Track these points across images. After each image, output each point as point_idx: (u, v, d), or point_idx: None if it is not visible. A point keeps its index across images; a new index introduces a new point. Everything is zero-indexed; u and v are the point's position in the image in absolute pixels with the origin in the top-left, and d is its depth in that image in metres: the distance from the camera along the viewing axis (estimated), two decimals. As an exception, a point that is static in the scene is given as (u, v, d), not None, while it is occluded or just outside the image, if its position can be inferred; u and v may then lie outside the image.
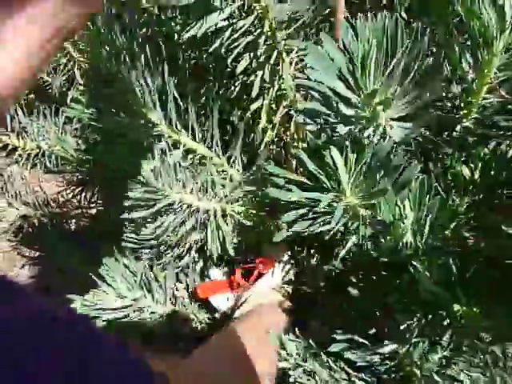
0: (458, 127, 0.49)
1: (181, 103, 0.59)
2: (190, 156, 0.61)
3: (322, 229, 0.47)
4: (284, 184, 0.45)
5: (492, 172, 0.50)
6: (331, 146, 0.42)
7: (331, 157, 0.42)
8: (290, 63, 0.56)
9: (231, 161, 0.64)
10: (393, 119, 0.45)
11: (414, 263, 0.43)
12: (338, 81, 0.41)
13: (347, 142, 0.42)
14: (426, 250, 0.43)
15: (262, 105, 0.60)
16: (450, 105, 0.48)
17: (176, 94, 0.57)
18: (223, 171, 0.63)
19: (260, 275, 0.68)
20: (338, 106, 0.42)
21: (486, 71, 0.45)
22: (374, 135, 0.45)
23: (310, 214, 0.46)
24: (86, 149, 0.73)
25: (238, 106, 0.61)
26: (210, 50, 0.50)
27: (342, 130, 0.42)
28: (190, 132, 0.60)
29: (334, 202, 0.45)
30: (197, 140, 0.61)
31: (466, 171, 0.51)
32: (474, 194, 0.49)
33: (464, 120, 0.48)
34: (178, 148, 0.59)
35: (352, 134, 0.42)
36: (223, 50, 0.51)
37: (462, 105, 0.48)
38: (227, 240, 0.57)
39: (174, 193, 0.56)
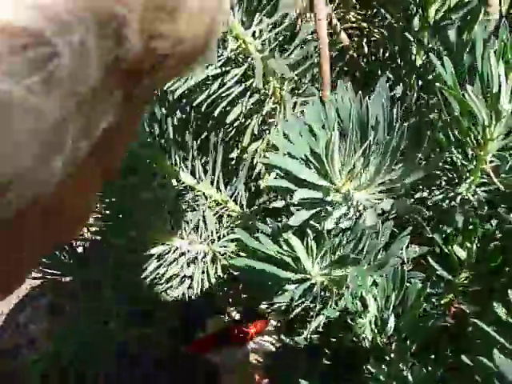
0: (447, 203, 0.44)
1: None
2: (191, 193, 0.60)
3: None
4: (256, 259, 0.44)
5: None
6: (290, 235, 0.39)
7: (290, 242, 0.40)
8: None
9: (233, 196, 0.62)
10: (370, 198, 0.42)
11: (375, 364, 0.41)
12: (302, 166, 0.38)
13: (308, 230, 0.39)
14: (388, 350, 0.41)
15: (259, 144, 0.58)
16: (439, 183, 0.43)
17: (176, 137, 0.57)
18: (224, 207, 0.62)
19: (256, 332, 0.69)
20: (301, 188, 0.39)
21: (481, 155, 0.40)
22: (345, 217, 0.41)
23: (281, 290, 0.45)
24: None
25: (237, 146, 0.59)
26: (194, 103, 0.49)
27: (304, 215, 0.40)
28: (189, 169, 0.59)
29: (299, 280, 0.43)
30: (197, 177, 0.60)
31: (460, 253, 0.46)
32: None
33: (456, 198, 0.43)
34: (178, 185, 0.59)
35: (314, 220, 0.40)
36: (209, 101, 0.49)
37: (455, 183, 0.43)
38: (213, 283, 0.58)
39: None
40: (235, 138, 0.57)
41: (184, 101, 0.54)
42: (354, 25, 0.64)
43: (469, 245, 0.47)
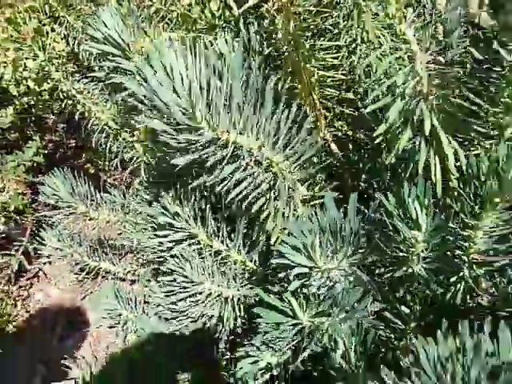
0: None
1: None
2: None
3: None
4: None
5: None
6: (289, 295, 0.63)
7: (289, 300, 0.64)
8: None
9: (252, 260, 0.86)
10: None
11: None
12: (298, 254, 0.62)
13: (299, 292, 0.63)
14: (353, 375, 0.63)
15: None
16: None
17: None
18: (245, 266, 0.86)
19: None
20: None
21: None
22: (324, 285, 0.65)
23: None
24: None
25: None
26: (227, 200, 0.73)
27: (297, 284, 0.63)
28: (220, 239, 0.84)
29: (295, 324, 0.66)
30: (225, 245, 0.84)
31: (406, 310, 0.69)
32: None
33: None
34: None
35: (304, 287, 0.63)
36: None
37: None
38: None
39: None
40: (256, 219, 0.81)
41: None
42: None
43: (412, 304, 0.70)
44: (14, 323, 1.42)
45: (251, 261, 0.87)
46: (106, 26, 0.84)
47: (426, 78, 0.55)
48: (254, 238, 0.84)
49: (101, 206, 1.15)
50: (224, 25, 0.80)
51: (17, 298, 1.49)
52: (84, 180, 1.11)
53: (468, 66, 0.67)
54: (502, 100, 0.63)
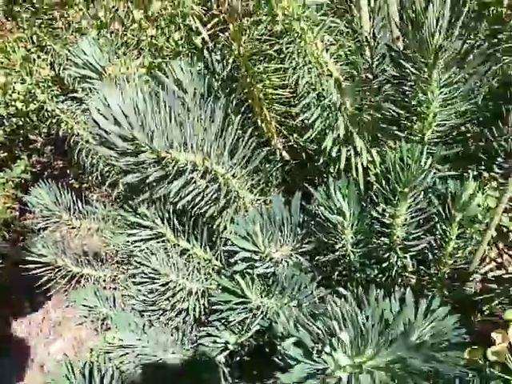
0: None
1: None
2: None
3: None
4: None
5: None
6: (237, 277, 0.74)
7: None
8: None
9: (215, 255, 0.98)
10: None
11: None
12: (244, 241, 0.74)
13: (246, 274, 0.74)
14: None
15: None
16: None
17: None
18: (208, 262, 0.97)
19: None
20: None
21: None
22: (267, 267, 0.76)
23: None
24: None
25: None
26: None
27: (243, 265, 0.75)
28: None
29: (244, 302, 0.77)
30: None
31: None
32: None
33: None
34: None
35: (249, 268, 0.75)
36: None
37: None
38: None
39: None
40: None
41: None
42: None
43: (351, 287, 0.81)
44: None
45: (216, 258, 0.98)
46: (85, 53, 0.96)
47: (338, 92, 0.68)
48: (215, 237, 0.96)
49: (83, 215, 1.26)
50: (188, 52, 0.93)
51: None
52: (67, 191, 1.22)
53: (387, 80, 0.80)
54: (413, 107, 0.77)
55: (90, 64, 0.97)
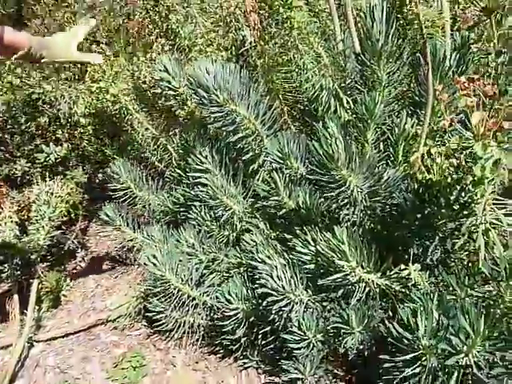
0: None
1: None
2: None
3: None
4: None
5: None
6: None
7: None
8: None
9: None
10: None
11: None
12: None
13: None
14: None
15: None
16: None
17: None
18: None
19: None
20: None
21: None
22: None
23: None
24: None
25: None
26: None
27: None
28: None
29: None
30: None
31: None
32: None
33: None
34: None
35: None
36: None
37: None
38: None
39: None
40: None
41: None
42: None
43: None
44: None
45: (244, 197, 1.48)
46: (165, 68, 1.52)
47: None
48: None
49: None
50: (233, 58, 1.51)
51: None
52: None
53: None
54: (371, 83, 1.34)
55: (166, 69, 1.52)
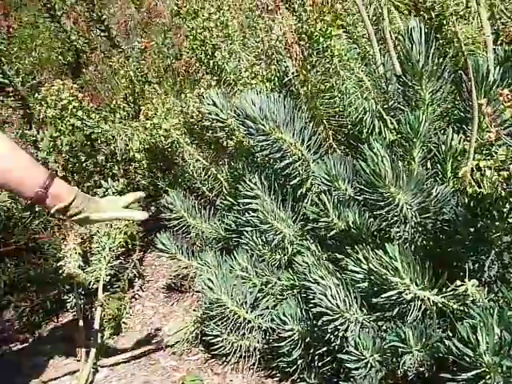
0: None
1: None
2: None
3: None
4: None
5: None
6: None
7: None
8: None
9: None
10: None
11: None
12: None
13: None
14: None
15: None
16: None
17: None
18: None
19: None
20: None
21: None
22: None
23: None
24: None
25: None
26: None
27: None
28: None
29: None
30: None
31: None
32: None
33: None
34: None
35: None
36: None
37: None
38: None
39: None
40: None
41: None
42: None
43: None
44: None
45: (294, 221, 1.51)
46: (213, 101, 1.61)
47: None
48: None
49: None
50: (276, 88, 1.59)
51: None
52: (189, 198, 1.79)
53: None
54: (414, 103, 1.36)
55: (214, 103, 1.61)
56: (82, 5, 3.15)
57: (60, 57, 3.26)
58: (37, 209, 2.26)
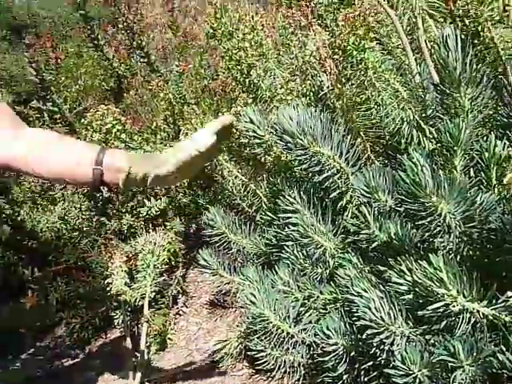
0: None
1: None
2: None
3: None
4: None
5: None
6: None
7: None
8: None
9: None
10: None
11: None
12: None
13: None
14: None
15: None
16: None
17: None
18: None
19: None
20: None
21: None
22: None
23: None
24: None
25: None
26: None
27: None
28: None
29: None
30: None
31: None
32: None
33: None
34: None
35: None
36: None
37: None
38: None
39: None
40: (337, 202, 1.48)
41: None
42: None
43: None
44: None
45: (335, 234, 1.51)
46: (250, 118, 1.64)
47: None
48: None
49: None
50: (312, 103, 1.61)
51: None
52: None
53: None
54: (453, 110, 1.34)
55: (251, 121, 1.64)
56: (122, 33, 3.30)
57: (103, 83, 3.42)
58: (84, 228, 2.36)
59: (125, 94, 3.22)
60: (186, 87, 2.33)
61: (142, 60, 3.24)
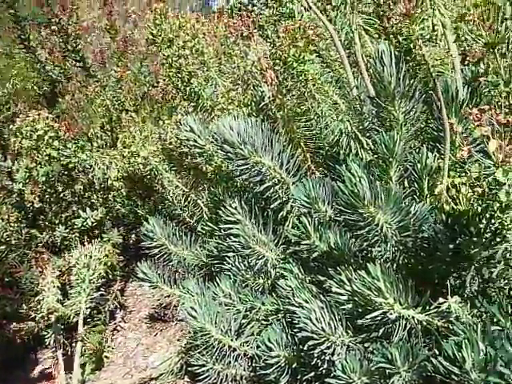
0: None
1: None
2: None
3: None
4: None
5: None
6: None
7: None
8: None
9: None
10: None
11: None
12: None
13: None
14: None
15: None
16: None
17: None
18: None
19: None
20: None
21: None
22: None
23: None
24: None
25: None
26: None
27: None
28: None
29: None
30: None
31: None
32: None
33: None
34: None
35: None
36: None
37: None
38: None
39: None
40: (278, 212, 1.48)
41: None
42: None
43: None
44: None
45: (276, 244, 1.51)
46: (191, 127, 1.62)
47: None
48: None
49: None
50: (253, 113, 1.60)
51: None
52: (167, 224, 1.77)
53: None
54: (388, 122, 1.39)
55: (191, 129, 1.62)
56: (56, 35, 3.15)
57: (35, 87, 3.23)
58: (13, 241, 2.20)
59: (59, 99, 3.06)
60: (125, 94, 2.25)
61: (77, 64, 3.10)
